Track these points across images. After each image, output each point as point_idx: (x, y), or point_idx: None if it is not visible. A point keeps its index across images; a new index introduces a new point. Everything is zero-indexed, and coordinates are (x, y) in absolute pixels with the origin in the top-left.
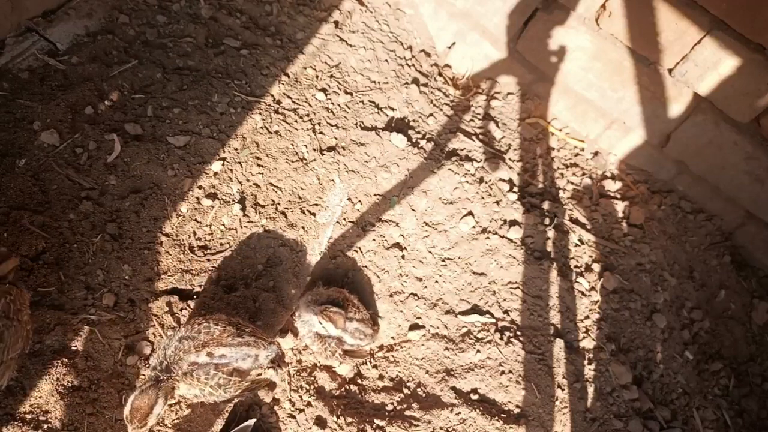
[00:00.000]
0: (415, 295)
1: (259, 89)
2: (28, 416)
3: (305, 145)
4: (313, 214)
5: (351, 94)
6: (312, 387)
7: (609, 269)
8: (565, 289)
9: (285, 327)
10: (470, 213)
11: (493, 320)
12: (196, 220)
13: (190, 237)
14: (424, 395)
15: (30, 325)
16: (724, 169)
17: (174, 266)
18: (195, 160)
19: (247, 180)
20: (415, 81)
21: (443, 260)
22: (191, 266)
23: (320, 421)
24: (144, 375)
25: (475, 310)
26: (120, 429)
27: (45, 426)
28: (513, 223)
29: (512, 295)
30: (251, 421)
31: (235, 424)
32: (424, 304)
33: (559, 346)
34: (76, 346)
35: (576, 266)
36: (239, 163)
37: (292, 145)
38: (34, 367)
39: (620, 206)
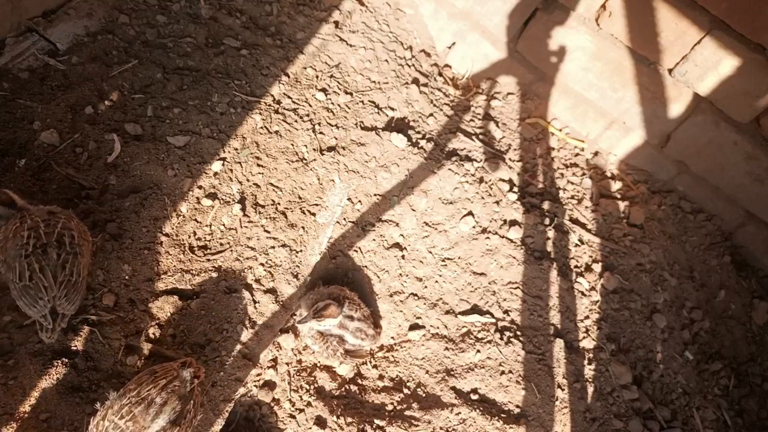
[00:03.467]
0: (415, 295)
1: (259, 89)
2: (28, 416)
3: (305, 145)
4: (313, 214)
5: (351, 94)
6: (312, 387)
7: (609, 269)
8: (565, 289)
9: (285, 327)
10: (470, 213)
11: (493, 320)
12: (196, 220)
13: (190, 237)
14: (424, 395)
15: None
16: (724, 169)
17: (174, 266)
18: (195, 160)
19: (247, 180)
20: (415, 81)
21: (443, 260)
22: (191, 266)
23: (320, 421)
24: None
25: (475, 310)
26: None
27: (44, 426)
28: (513, 223)
29: (512, 295)
30: None
31: (235, 425)
32: (424, 304)
33: (559, 346)
34: (76, 346)
35: (576, 266)
36: (239, 163)
37: (292, 145)
38: (34, 367)
39: (620, 206)
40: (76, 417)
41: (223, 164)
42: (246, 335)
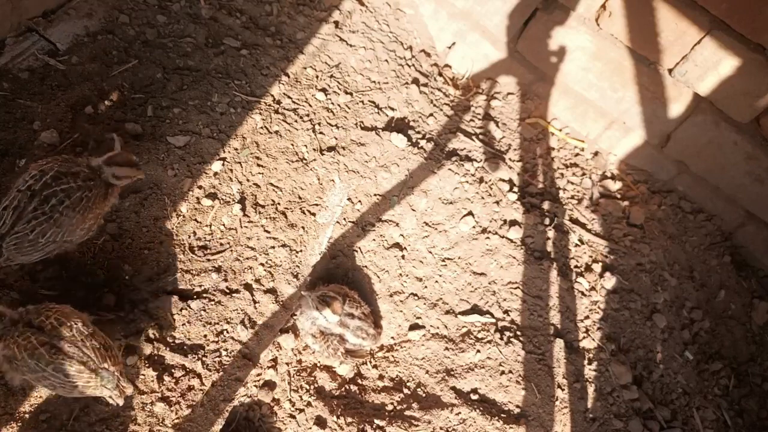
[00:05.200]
0: (415, 295)
1: (259, 89)
2: (28, 416)
3: (305, 145)
4: (313, 214)
5: (351, 94)
6: (312, 387)
7: (609, 269)
8: (565, 289)
9: (285, 327)
10: (470, 213)
11: (493, 320)
12: (196, 220)
13: (190, 237)
14: (424, 395)
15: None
16: (724, 169)
17: (174, 266)
18: (195, 160)
19: (247, 180)
20: (415, 81)
21: (443, 260)
22: (191, 266)
23: (320, 421)
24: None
25: (475, 310)
26: (118, 428)
27: (44, 426)
28: (513, 223)
29: (512, 295)
30: None
31: (235, 425)
32: (424, 304)
33: (559, 346)
34: None
35: (576, 266)
36: (239, 163)
37: (292, 145)
38: None
39: (620, 206)
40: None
41: (223, 164)
42: (246, 335)
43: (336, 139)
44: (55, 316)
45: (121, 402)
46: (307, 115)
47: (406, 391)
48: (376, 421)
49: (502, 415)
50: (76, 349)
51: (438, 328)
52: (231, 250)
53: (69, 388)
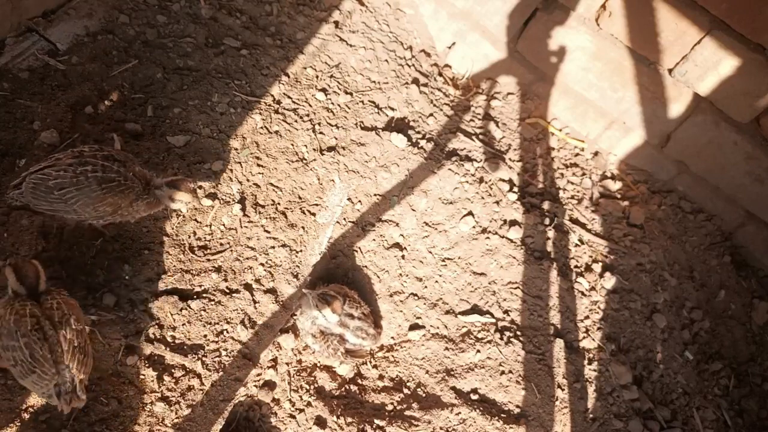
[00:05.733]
0: (415, 295)
1: (259, 89)
2: (28, 416)
3: (305, 145)
4: (313, 214)
5: (351, 94)
6: (312, 387)
7: (609, 269)
8: (565, 289)
9: (285, 327)
10: (470, 213)
11: (493, 320)
12: (196, 220)
13: (190, 237)
14: (424, 395)
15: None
16: (724, 169)
17: (174, 266)
18: (195, 160)
19: (247, 180)
20: (415, 81)
21: (443, 260)
22: (191, 266)
23: (320, 421)
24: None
25: (475, 310)
26: (118, 428)
27: (44, 426)
28: (513, 223)
29: (512, 295)
30: None
31: (235, 425)
32: (424, 304)
33: (559, 346)
34: None
35: (576, 266)
36: (239, 163)
37: (292, 145)
38: None
39: (620, 206)
40: (75, 416)
41: (223, 164)
42: (246, 335)
43: (336, 139)
44: (57, 301)
45: (66, 410)
46: (307, 115)
47: (406, 391)
48: (376, 421)
49: (502, 415)
50: (56, 335)
51: (438, 328)
52: (231, 250)
53: (26, 369)
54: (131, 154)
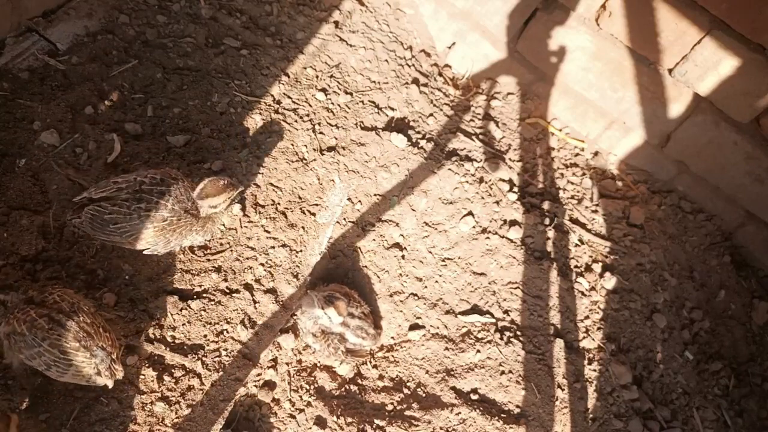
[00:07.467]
0: (415, 295)
1: (259, 89)
2: (28, 416)
3: (305, 145)
4: (313, 214)
5: (351, 94)
6: (312, 387)
7: (609, 269)
8: (565, 289)
9: (285, 327)
10: (470, 213)
11: (493, 320)
12: None
13: None
14: (424, 395)
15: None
16: (724, 169)
17: (174, 266)
18: (195, 160)
19: (247, 180)
20: (415, 81)
21: (443, 260)
22: (191, 266)
23: (320, 421)
24: None
25: (475, 310)
26: (118, 428)
27: (44, 426)
28: (513, 223)
29: (512, 295)
30: None
31: (235, 425)
32: (424, 304)
33: (559, 346)
34: None
35: (576, 266)
36: (239, 163)
37: (292, 145)
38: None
39: (620, 206)
40: (76, 416)
41: (222, 164)
42: (246, 335)
43: (336, 139)
44: (58, 293)
45: (110, 384)
46: (307, 115)
47: (406, 391)
48: (376, 421)
49: (502, 415)
50: (74, 323)
51: (438, 328)
52: (231, 250)
53: (64, 366)
54: (190, 182)
